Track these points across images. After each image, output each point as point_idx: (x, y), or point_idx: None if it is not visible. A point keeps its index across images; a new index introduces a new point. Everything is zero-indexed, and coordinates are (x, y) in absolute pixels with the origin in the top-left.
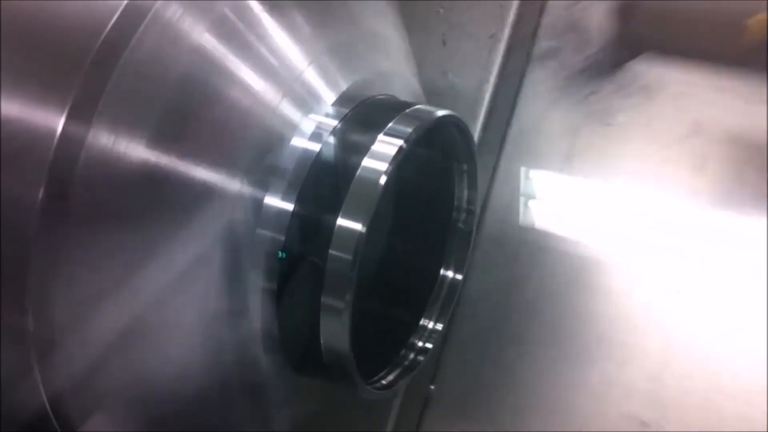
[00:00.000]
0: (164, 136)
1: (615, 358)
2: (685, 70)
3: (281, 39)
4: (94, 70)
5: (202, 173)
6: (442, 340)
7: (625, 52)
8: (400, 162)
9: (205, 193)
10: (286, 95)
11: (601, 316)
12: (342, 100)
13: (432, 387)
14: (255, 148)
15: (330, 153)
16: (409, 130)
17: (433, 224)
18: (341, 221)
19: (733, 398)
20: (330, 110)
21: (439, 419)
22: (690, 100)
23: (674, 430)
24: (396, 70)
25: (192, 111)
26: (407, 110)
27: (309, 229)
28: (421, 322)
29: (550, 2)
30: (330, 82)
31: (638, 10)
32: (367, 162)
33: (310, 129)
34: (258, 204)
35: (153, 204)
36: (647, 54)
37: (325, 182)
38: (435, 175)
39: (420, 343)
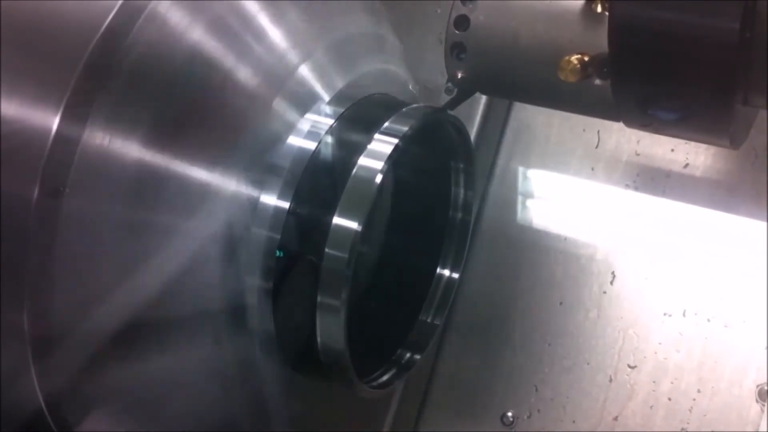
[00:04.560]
0: (159, 136)
1: (608, 358)
2: None
3: (277, 38)
4: (90, 70)
5: (197, 173)
6: (439, 338)
7: None
8: (396, 160)
9: (200, 193)
10: (282, 94)
11: (600, 316)
12: (338, 99)
13: None
14: (251, 147)
15: (326, 152)
16: (405, 128)
17: (430, 223)
18: (337, 219)
19: (728, 395)
20: (326, 109)
21: (436, 419)
22: None
23: (672, 430)
24: (392, 69)
25: (187, 110)
26: (403, 109)
27: (305, 227)
28: (418, 321)
29: None
30: (326, 81)
31: None
32: (363, 161)
33: (306, 128)
34: (254, 203)
35: (148, 203)
36: None
37: (322, 181)
38: (432, 173)
39: (416, 342)
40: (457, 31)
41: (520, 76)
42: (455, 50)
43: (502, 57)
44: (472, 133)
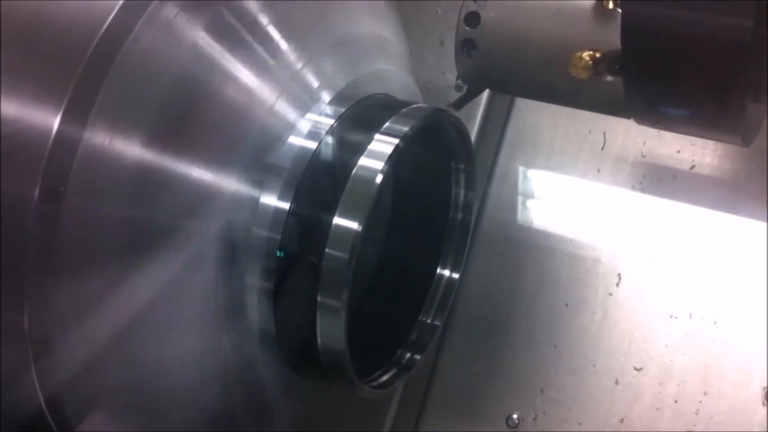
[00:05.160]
0: (160, 136)
1: (614, 360)
2: None
3: (278, 38)
4: (90, 70)
5: (198, 173)
6: (439, 339)
7: None
8: (397, 161)
9: (200, 193)
10: (283, 94)
11: (605, 318)
12: (339, 99)
13: None
14: (251, 147)
15: (326, 152)
16: (406, 129)
17: (431, 223)
18: (338, 220)
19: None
20: (327, 109)
21: (436, 419)
22: None
23: (671, 430)
24: (393, 70)
25: (188, 110)
26: (404, 109)
27: (306, 227)
28: (418, 321)
29: None
30: (327, 81)
31: None
32: (363, 161)
33: (307, 128)
34: (254, 203)
35: (148, 203)
36: None
37: (322, 181)
38: (433, 174)
39: (416, 343)
40: (467, 28)
41: (531, 73)
42: (465, 47)
43: (512, 54)
44: (473, 134)
